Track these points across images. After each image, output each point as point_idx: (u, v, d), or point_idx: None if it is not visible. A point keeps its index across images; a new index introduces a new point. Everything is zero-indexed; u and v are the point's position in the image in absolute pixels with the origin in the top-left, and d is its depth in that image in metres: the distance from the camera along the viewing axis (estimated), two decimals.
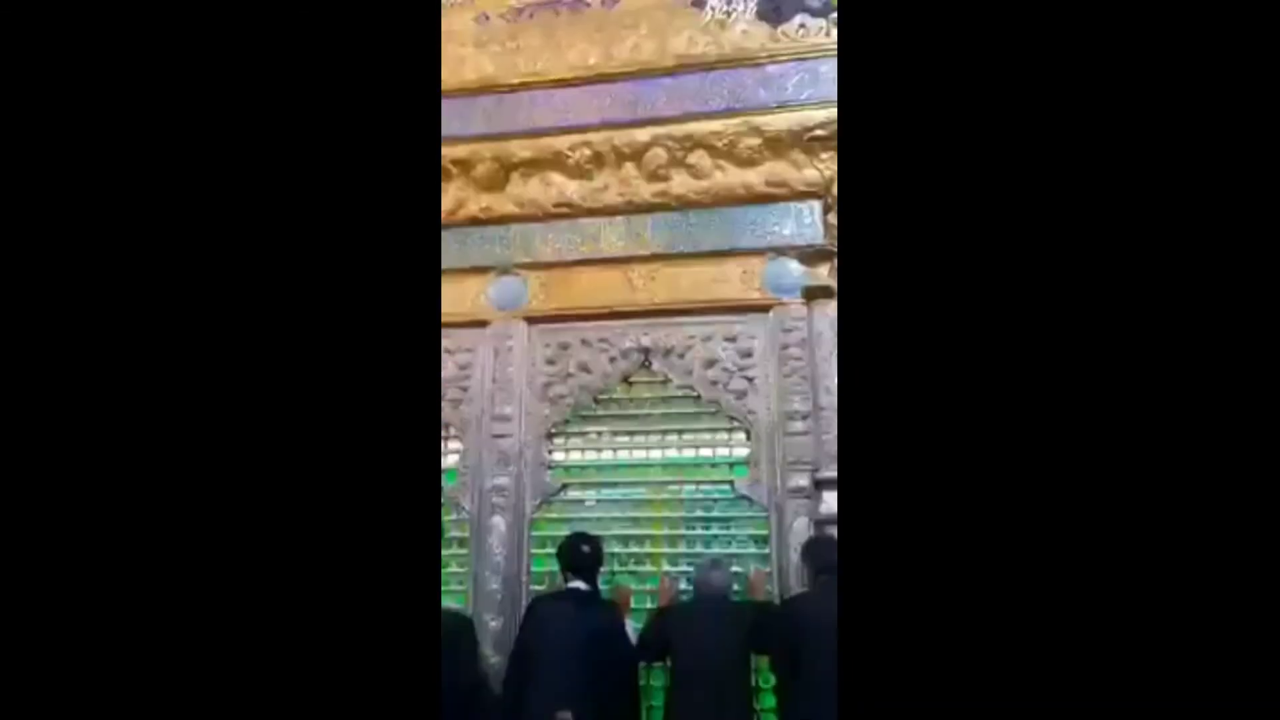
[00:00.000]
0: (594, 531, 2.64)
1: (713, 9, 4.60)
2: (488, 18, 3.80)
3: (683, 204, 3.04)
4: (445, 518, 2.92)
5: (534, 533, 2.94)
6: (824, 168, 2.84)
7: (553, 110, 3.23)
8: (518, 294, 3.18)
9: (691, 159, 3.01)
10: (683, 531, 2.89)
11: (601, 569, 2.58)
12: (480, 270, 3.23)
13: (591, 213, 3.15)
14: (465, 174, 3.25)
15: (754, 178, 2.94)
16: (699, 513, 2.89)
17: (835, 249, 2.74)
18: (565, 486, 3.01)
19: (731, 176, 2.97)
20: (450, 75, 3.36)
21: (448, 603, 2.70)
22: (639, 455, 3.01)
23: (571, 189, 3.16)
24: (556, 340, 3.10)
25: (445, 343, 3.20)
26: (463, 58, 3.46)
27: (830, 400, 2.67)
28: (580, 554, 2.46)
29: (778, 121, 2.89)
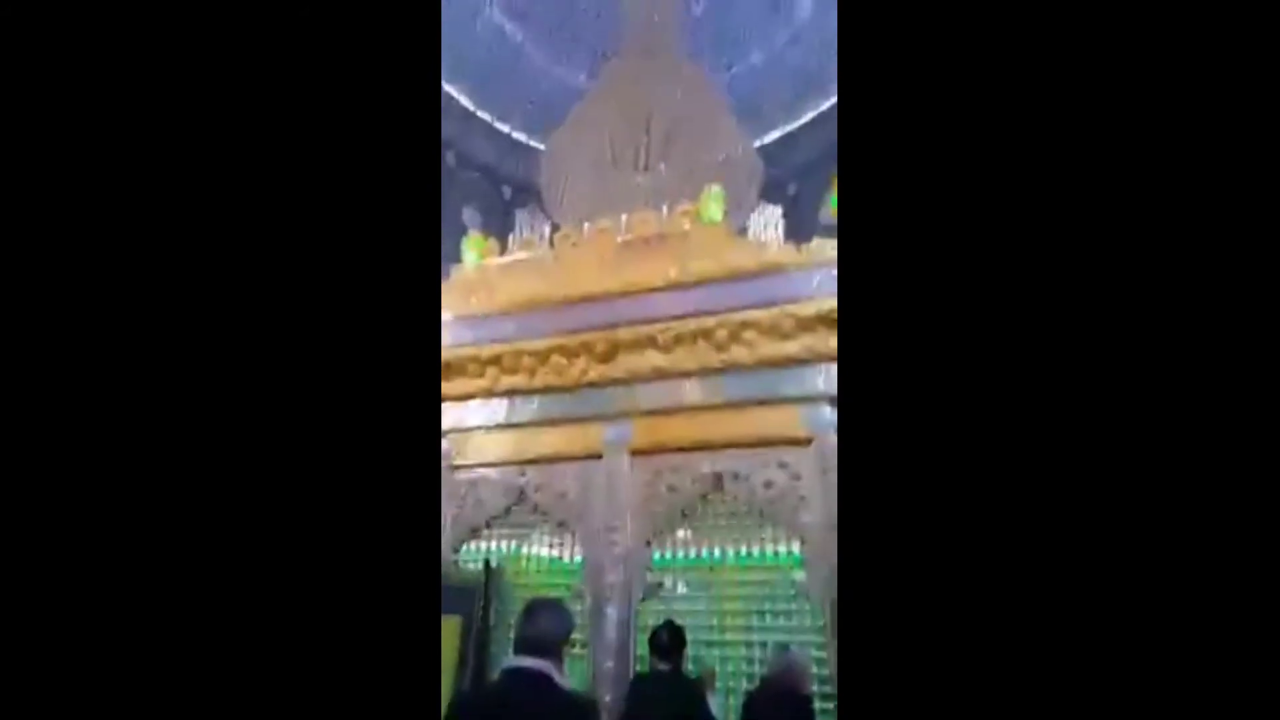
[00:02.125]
0: (684, 620, 2.44)
1: (754, 234, 4.80)
2: (604, 250, 4.09)
3: (742, 368, 3.03)
4: (574, 607, 2.79)
5: (639, 622, 2.75)
6: None
7: (648, 307, 3.34)
8: (625, 435, 3.17)
9: (746, 335, 3.03)
10: (753, 623, 2.64)
11: (685, 651, 2.30)
12: (599, 418, 3.27)
13: (676, 376, 3.18)
14: (589, 352, 3.37)
15: (792, 348, 2.92)
16: (767, 605, 2.65)
17: None
18: (661, 584, 2.83)
19: (775, 347, 2.96)
20: (579, 291, 3.58)
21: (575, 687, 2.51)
22: (717, 555, 2.82)
23: (662, 360, 3.21)
24: (652, 468, 3.04)
25: (573, 470, 3.20)
26: (590, 277, 3.68)
27: None
28: (659, 640, 2.22)
29: (805, 308, 2.90)
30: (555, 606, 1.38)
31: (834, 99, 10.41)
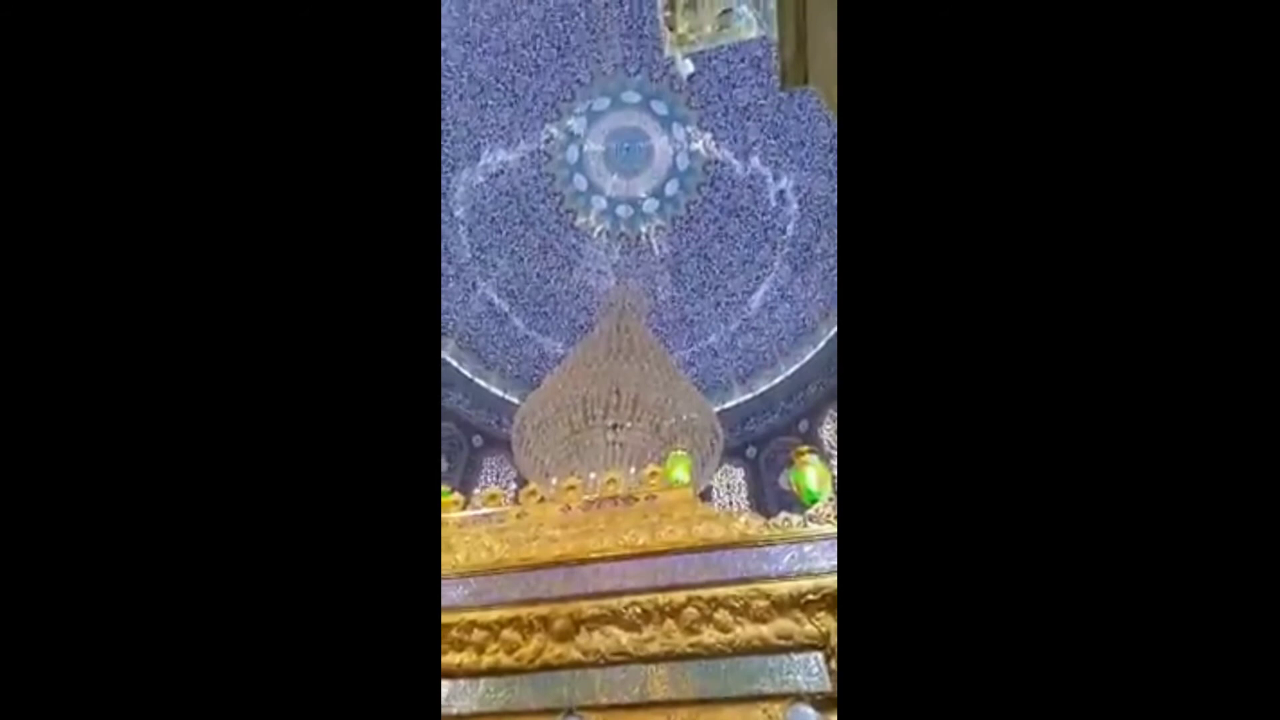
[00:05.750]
0: None
1: (721, 506, 4.87)
2: (569, 508, 4.04)
3: (712, 652, 2.76)
4: None
5: None
6: (820, 624, 2.64)
7: (614, 576, 3.17)
8: None
9: (717, 616, 2.84)
10: None
11: None
12: (550, 712, 2.81)
13: (642, 660, 2.85)
14: (547, 628, 3.06)
15: (766, 631, 2.73)
16: None
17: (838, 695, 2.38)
18: None
19: (749, 630, 2.76)
20: (540, 552, 3.42)
21: None
22: None
23: (626, 639, 2.92)
24: None
25: None
26: (553, 538, 3.55)
27: None
28: None
29: (780, 588, 2.79)
30: None
31: (782, 376, 11.68)
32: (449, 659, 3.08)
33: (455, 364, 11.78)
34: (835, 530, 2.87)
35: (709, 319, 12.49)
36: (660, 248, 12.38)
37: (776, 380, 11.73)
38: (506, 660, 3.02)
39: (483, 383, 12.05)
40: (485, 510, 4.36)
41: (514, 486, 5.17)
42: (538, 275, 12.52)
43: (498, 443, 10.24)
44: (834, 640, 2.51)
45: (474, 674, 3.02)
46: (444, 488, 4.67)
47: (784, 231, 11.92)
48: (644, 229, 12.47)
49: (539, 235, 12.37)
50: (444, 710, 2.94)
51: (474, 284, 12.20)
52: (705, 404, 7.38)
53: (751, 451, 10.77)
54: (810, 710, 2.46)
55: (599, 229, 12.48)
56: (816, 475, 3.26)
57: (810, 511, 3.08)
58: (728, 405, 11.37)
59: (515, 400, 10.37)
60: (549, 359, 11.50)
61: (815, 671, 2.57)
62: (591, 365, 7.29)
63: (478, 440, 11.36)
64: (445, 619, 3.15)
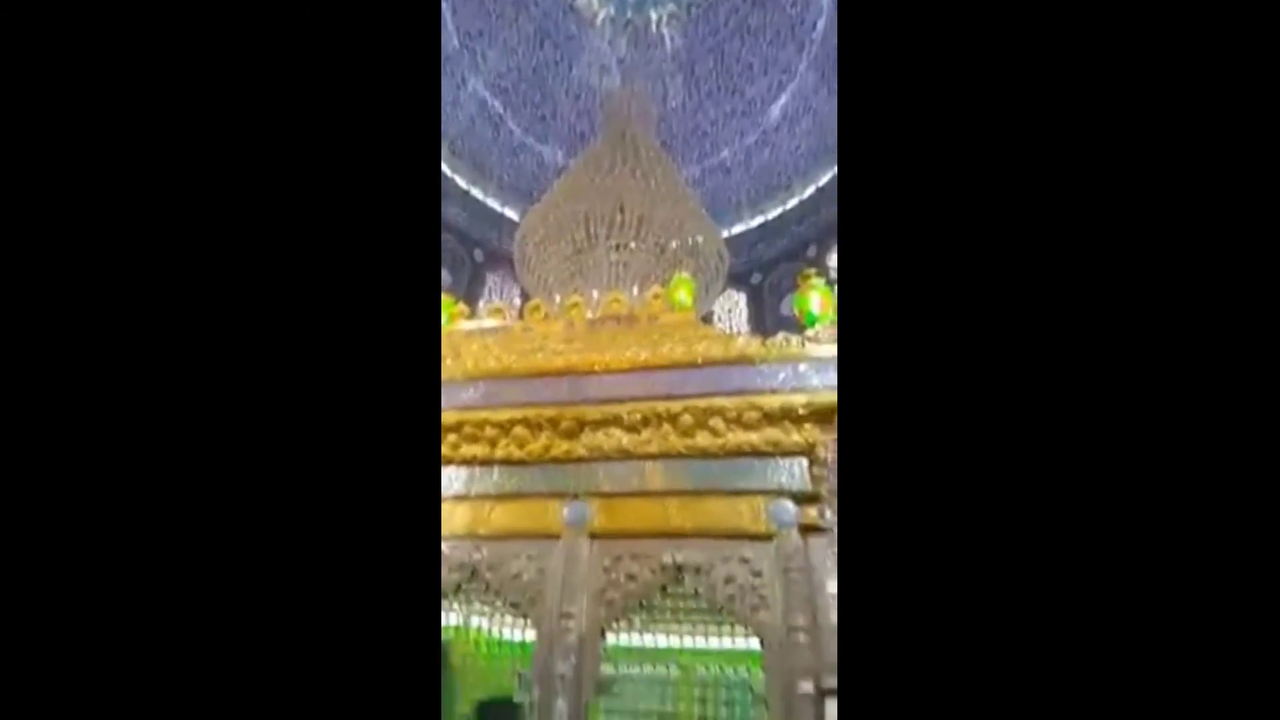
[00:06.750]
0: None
1: (721, 327, 4.98)
2: (573, 324, 4.15)
3: (705, 455, 3.06)
4: (519, 699, 2.64)
5: (589, 718, 2.60)
6: (806, 435, 2.88)
7: (615, 386, 3.37)
8: (584, 516, 3.10)
9: (711, 423, 3.08)
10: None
11: None
12: (559, 495, 3.20)
13: (640, 458, 3.17)
14: (554, 427, 3.34)
15: (756, 438, 2.98)
16: (723, 711, 2.56)
17: (819, 494, 2.70)
18: (614, 679, 2.70)
19: (740, 437, 3.01)
20: (546, 363, 3.60)
21: None
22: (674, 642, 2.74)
23: (626, 440, 3.21)
24: (611, 554, 2.96)
25: (529, 549, 3.09)
26: (558, 351, 3.71)
27: (825, 619, 2.45)
28: None
29: (771, 401, 2.99)
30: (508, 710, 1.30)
31: (797, 199, 11.19)
32: (465, 450, 3.42)
33: (450, 173, 11.17)
34: (829, 351, 2.98)
35: (723, 130, 11.57)
36: (672, 40, 10.98)
37: (790, 204, 11.28)
38: (518, 453, 3.35)
39: (479, 193, 11.56)
40: (490, 323, 4.47)
41: (518, 302, 5.25)
42: (534, 71, 11.27)
43: (499, 258, 10.18)
44: (818, 449, 2.76)
45: (488, 463, 3.37)
46: (449, 299, 4.74)
47: (813, 28, 10.49)
48: (654, 16, 10.92)
49: (534, 20, 10.87)
50: (461, 493, 3.35)
51: (463, 78, 11.03)
52: (713, 227, 7.18)
53: (756, 278, 10.76)
54: (790, 504, 2.80)
55: (602, 15, 10.93)
56: (820, 299, 3.30)
57: (808, 333, 3.18)
58: (736, 231, 11.09)
59: (514, 215, 10.06)
60: (548, 169, 10.89)
61: (797, 474, 2.87)
62: (595, 179, 6.92)
63: (479, 255, 11.26)
64: (459, 417, 3.43)
